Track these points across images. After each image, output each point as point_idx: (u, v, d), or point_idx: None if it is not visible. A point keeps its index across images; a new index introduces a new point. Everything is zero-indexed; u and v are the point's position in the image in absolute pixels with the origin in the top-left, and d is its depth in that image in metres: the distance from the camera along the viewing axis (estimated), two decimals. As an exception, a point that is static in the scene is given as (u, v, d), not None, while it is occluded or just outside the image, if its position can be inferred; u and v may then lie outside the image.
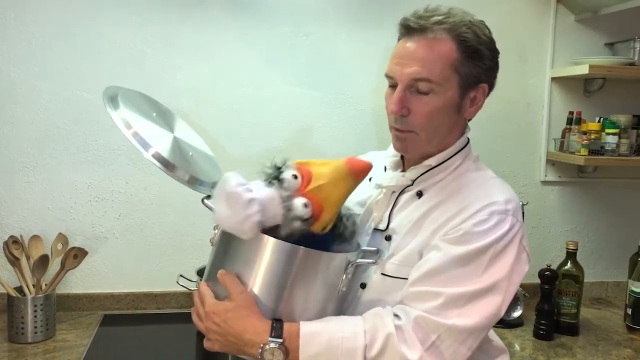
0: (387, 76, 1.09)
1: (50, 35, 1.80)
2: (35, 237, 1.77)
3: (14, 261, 1.69)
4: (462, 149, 1.12)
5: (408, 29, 1.06)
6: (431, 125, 1.06)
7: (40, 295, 1.66)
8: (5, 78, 1.79)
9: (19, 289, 1.68)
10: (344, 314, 1.07)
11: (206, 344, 1.03)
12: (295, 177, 0.99)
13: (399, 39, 1.09)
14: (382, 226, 1.12)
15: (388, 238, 1.11)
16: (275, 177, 1.00)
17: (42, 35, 1.79)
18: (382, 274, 1.08)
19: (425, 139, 1.08)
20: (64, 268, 1.74)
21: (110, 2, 1.81)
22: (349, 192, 1.02)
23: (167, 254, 1.92)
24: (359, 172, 1.00)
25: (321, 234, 1.01)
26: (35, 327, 1.64)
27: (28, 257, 1.72)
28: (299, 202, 0.97)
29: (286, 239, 0.97)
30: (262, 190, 0.97)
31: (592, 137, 1.92)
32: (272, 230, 0.98)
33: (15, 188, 1.83)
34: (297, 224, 0.96)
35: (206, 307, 1.01)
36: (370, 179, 1.19)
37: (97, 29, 1.81)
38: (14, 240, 1.71)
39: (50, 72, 1.81)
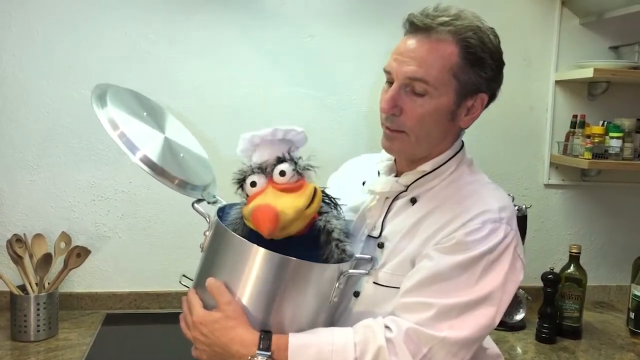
0: (385, 71, 1.06)
1: (55, 34, 1.80)
2: (38, 236, 1.77)
3: (17, 260, 1.69)
4: (456, 153, 1.10)
5: (412, 26, 1.03)
6: (422, 129, 1.03)
7: (43, 293, 1.66)
8: (10, 76, 1.79)
9: (22, 288, 1.68)
10: (335, 324, 1.06)
11: (194, 353, 1.03)
12: (282, 174, 1.00)
13: (404, 35, 1.06)
14: (376, 233, 1.10)
15: (381, 245, 1.08)
16: (285, 157, 1.03)
17: (47, 34, 1.80)
18: (374, 282, 1.06)
19: (414, 142, 1.05)
20: (66, 267, 1.74)
21: (115, 2, 1.81)
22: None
23: (170, 253, 1.92)
24: (253, 223, 0.98)
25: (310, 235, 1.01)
26: (38, 326, 1.64)
27: (31, 256, 1.73)
28: (254, 178, 1.01)
29: (276, 247, 0.96)
30: (267, 152, 1.03)
31: (596, 140, 1.92)
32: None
33: (19, 186, 1.83)
34: (236, 180, 1.03)
35: (194, 316, 1.00)
36: (363, 183, 1.17)
37: (102, 28, 1.82)
38: (17, 239, 1.71)
39: (55, 70, 1.81)
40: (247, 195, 1.02)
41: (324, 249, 1.03)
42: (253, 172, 1.02)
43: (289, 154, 1.03)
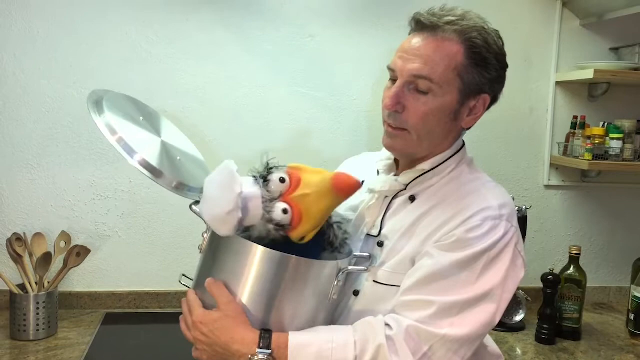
0: (389, 69, 1.06)
1: (56, 34, 1.80)
2: (38, 235, 1.77)
3: (17, 258, 1.69)
4: (456, 152, 1.10)
5: (419, 24, 1.04)
6: (424, 127, 1.04)
7: (43, 292, 1.67)
8: (10, 76, 1.80)
9: (22, 287, 1.69)
10: (335, 322, 1.06)
11: (194, 353, 1.03)
12: (283, 180, 0.97)
13: (409, 33, 1.06)
14: (375, 232, 1.10)
15: (380, 244, 1.08)
16: (263, 176, 0.98)
17: (47, 34, 1.80)
18: (374, 281, 1.06)
19: (416, 140, 1.05)
20: (66, 266, 1.74)
21: (115, 2, 1.82)
22: (332, 208, 0.99)
23: (170, 253, 1.92)
24: (343, 190, 0.97)
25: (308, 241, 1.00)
26: (37, 325, 1.64)
27: (31, 255, 1.73)
28: (279, 206, 0.95)
29: (274, 246, 0.96)
30: (248, 188, 0.95)
31: (596, 141, 1.92)
32: (247, 230, 0.96)
33: (19, 186, 1.83)
34: (273, 229, 0.95)
35: (194, 316, 1.00)
36: (362, 182, 1.18)
37: (102, 28, 1.82)
38: (17, 238, 1.71)
39: (56, 70, 1.81)
40: (289, 224, 0.96)
41: (327, 233, 1.02)
42: (271, 201, 0.96)
43: (262, 168, 1.00)
